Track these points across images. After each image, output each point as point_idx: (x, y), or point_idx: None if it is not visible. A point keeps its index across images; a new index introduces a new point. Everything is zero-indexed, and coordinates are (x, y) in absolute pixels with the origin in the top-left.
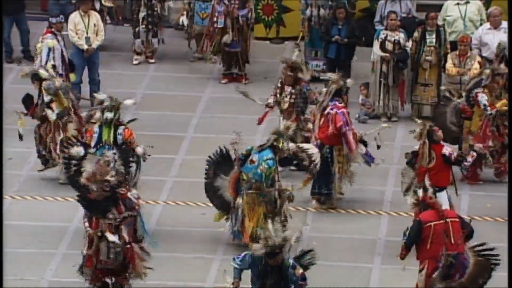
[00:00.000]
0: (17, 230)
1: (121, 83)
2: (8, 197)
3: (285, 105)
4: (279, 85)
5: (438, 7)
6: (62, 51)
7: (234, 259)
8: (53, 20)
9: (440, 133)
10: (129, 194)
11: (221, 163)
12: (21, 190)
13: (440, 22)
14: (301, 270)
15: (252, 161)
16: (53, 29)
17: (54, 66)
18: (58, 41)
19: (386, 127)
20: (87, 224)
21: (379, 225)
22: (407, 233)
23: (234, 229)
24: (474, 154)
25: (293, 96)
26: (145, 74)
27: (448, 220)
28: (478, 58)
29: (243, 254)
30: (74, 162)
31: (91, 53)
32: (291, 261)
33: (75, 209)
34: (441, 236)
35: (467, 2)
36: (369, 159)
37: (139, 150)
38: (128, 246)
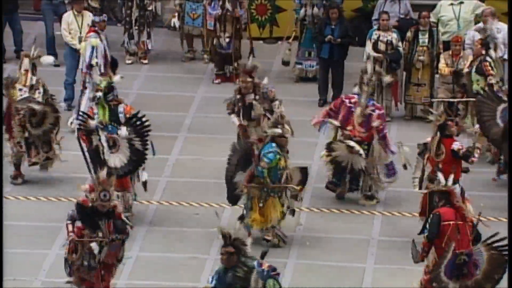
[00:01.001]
0: (10, 231)
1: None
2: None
3: (259, 112)
4: (238, 96)
5: (433, 7)
6: (104, 50)
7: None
8: (96, 19)
9: (454, 128)
10: (123, 215)
11: (242, 157)
12: (14, 190)
13: (433, 19)
14: (267, 264)
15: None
16: (96, 28)
17: (96, 64)
18: (101, 39)
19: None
20: (70, 227)
21: (372, 225)
22: (427, 226)
23: (245, 222)
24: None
25: (256, 106)
26: (138, 74)
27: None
28: (471, 58)
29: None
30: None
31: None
32: (254, 262)
33: (68, 209)
34: (455, 235)
35: (461, 3)
36: (389, 172)
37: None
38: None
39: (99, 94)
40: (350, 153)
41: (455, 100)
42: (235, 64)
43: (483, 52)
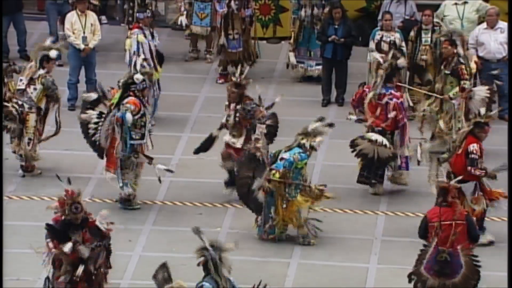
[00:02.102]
0: (13, 230)
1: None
2: (5, 197)
3: (231, 122)
4: (226, 103)
5: (438, 8)
6: (149, 45)
7: None
8: (140, 15)
9: (486, 134)
10: (97, 222)
11: (252, 164)
12: (17, 190)
13: (437, 20)
14: None
15: (282, 159)
16: (140, 24)
17: (144, 60)
18: (145, 35)
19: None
20: (51, 244)
21: (375, 225)
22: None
23: (265, 228)
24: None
25: (238, 114)
26: None
27: (454, 222)
28: (475, 58)
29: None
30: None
31: (88, 52)
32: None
33: None
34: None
35: (465, 2)
36: (400, 165)
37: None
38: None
39: (123, 79)
40: (373, 145)
41: (431, 94)
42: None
43: (454, 51)
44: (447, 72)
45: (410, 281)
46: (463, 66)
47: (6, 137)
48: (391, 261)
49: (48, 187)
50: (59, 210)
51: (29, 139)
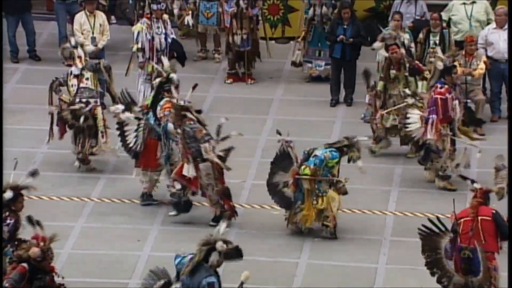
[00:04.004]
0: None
1: (125, 82)
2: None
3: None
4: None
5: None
6: (154, 37)
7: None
8: (154, 6)
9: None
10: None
11: (279, 160)
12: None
13: (444, 18)
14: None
15: (315, 156)
16: (151, 15)
17: (138, 49)
18: (150, 26)
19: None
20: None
21: (384, 225)
22: None
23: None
24: None
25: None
26: None
27: (479, 217)
28: (484, 58)
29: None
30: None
31: (97, 53)
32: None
33: (81, 208)
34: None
35: (474, 2)
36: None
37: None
38: None
39: (156, 80)
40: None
41: (399, 106)
42: (250, 67)
43: (402, 53)
44: (406, 74)
45: (433, 275)
46: (416, 61)
47: (12, 137)
48: (399, 261)
49: (56, 187)
50: (39, 256)
51: (101, 132)
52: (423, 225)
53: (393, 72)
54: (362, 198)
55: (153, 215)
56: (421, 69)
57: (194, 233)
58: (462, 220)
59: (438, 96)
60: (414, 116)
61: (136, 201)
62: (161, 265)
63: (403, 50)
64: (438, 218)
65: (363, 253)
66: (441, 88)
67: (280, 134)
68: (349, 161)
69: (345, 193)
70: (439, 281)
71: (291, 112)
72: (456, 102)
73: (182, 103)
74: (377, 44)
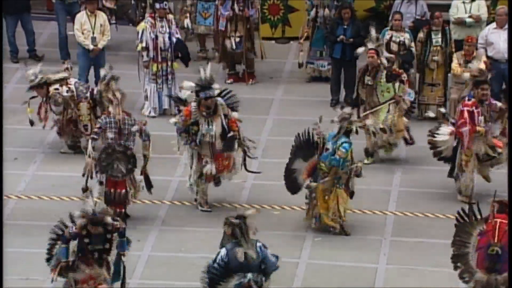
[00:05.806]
0: (22, 230)
1: (126, 83)
2: (14, 197)
3: None
4: None
5: (449, 7)
6: (158, 36)
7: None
8: (157, 5)
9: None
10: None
11: (303, 147)
12: (27, 189)
13: (452, 19)
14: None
15: (327, 149)
16: (154, 14)
17: (142, 48)
18: (153, 25)
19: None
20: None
21: (384, 225)
22: None
23: (313, 213)
24: None
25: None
26: None
27: (498, 220)
28: (484, 58)
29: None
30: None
31: (97, 53)
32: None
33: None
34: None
35: (473, 0)
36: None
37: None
38: None
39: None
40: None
41: (377, 108)
42: (251, 68)
43: (379, 61)
44: (383, 80)
45: (455, 269)
46: (394, 67)
47: (12, 137)
48: (400, 261)
49: (57, 187)
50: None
51: (84, 125)
52: (462, 210)
53: (368, 78)
54: (363, 198)
55: (154, 215)
56: (398, 73)
57: (194, 233)
58: (498, 220)
59: (465, 108)
60: (445, 129)
61: (136, 201)
62: (161, 265)
63: (383, 59)
64: (477, 203)
65: (363, 253)
66: (468, 100)
67: (320, 121)
68: (356, 132)
69: (359, 175)
70: (460, 276)
71: (291, 112)
72: (482, 118)
73: None
74: (360, 49)
